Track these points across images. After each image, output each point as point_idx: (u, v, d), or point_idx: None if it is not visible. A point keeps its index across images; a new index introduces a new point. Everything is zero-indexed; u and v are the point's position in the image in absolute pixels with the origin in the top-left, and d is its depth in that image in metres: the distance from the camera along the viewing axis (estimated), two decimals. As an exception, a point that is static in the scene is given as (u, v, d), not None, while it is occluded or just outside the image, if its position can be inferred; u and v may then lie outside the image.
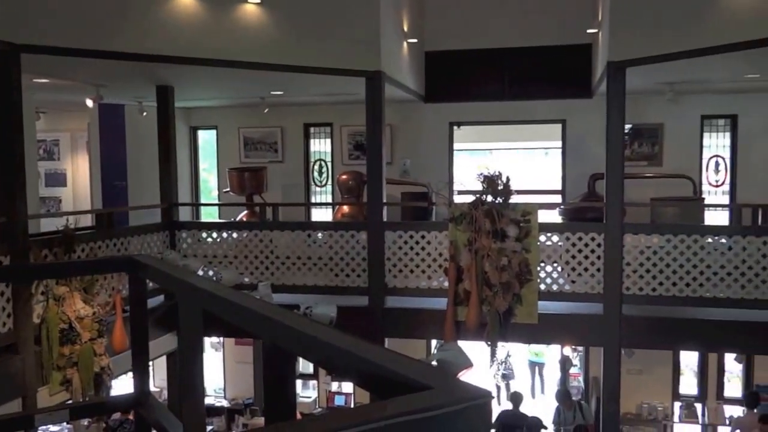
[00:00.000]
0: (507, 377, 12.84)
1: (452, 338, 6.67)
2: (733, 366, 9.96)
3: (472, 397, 1.49)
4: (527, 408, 9.55)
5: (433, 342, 8.82)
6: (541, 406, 10.84)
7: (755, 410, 8.69)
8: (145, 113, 9.54)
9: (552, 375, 12.90)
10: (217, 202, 11.33)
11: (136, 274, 3.35)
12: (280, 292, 7.26)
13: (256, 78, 7.60)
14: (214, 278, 3.97)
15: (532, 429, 8.52)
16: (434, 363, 1.75)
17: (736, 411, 9.62)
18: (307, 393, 10.95)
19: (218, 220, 10.45)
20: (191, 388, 3.40)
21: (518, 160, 15.81)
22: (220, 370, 11.12)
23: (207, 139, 11.70)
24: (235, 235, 7.81)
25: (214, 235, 7.86)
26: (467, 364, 1.76)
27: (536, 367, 13.43)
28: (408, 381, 1.67)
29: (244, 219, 9.83)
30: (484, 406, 1.48)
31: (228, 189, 10.23)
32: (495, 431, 9.02)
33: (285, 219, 8.41)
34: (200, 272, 3.96)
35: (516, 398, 9.54)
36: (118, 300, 6.07)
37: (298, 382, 10.94)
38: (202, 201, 11.65)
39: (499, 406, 11.13)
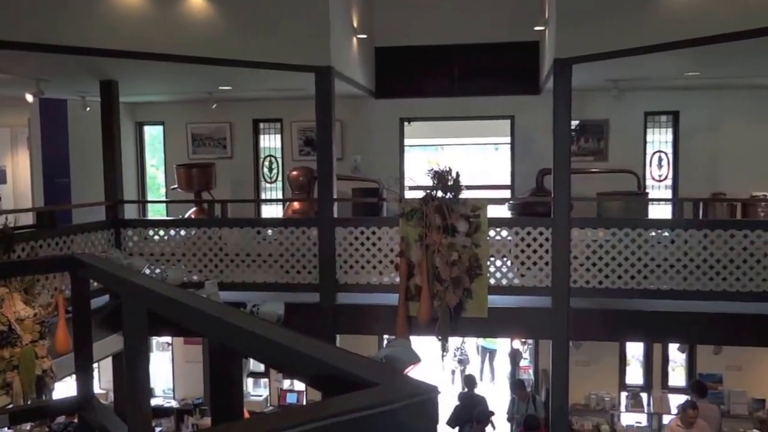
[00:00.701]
0: (462, 362, 13.24)
1: (404, 333, 6.69)
2: (676, 356, 10.26)
3: (418, 393, 1.49)
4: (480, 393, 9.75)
5: (385, 338, 8.84)
6: (492, 395, 11.06)
7: (706, 399, 8.71)
8: (88, 108, 9.28)
9: (502, 366, 13.16)
10: (164, 199, 11.11)
11: (78, 273, 3.25)
12: (230, 289, 7.16)
13: (203, 73, 7.47)
14: (159, 277, 3.88)
15: (480, 418, 8.60)
16: (382, 359, 1.74)
17: (680, 399, 9.91)
18: (258, 391, 10.85)
19: (166, 218, 10.24)
20: (136, 390, 3.32)
21: (469, 155, 15.97)
22: (168, 369, 10.92)
23: (154, 134, 11.46)
24: (183, 232, 7.67)
25: (161, 233, 7.71)
26: (415, 359, 1.76)
27: (487, 353, 13.82)
28: (355, 378, 1.66)
29: (193, 216, 9.67)
30: (431, 401, 1.48)
31: (176, 186, 10.04)
32: (454, 413, 9.36)
33: (234, 216, 8.29)
34: (146, 271, 3.87)
35: (470, 381, 9.97)
36: (60, 300, 5.89)
37: (249, 381, 10.84)
38: (150, 198, 11.42)
39: (452, 386, 12.06)
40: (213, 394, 2.60)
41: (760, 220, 8.52)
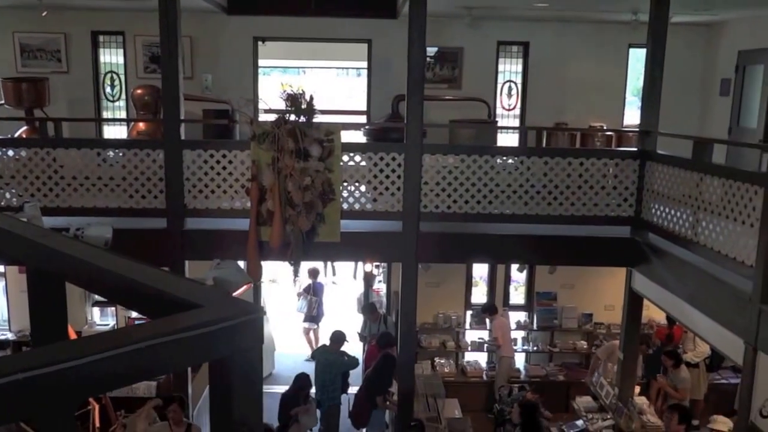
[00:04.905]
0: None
1: (255, 258, 6.60)
2: (518, 276, 10.96)
3: (242, 314, 1.43)
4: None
5: (240, 263, 8.70)
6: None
7: (496, 315, 10.02)
8: None
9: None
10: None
11: None
12: (67, 215, 6.69)
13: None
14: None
15: (336, 341, 8.77)
16: (210, 282, 1.66)
17: (519, 317, 10.71)
18: (105, 320, 10.41)
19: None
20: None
21: (331, 80, 15.75)
22: (2, 301, 10.17)
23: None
24: (11, 153, 7.00)
25: (-14, 153, 6.98)
26: (245, 281, 1.69)
27: None
28: (178, 300, 1.58)
29: (24, 135, 8.85)
30: (255, 321, 1.43)
31: (2, 102, 9.10)
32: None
33: (72, 136, 7.67)
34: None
35: (314, 272, 11.86)
36: None
37: (96, 310, 10.36)
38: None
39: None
40: (33, 322, 2.41)
41: (596, 149, 9.13)
